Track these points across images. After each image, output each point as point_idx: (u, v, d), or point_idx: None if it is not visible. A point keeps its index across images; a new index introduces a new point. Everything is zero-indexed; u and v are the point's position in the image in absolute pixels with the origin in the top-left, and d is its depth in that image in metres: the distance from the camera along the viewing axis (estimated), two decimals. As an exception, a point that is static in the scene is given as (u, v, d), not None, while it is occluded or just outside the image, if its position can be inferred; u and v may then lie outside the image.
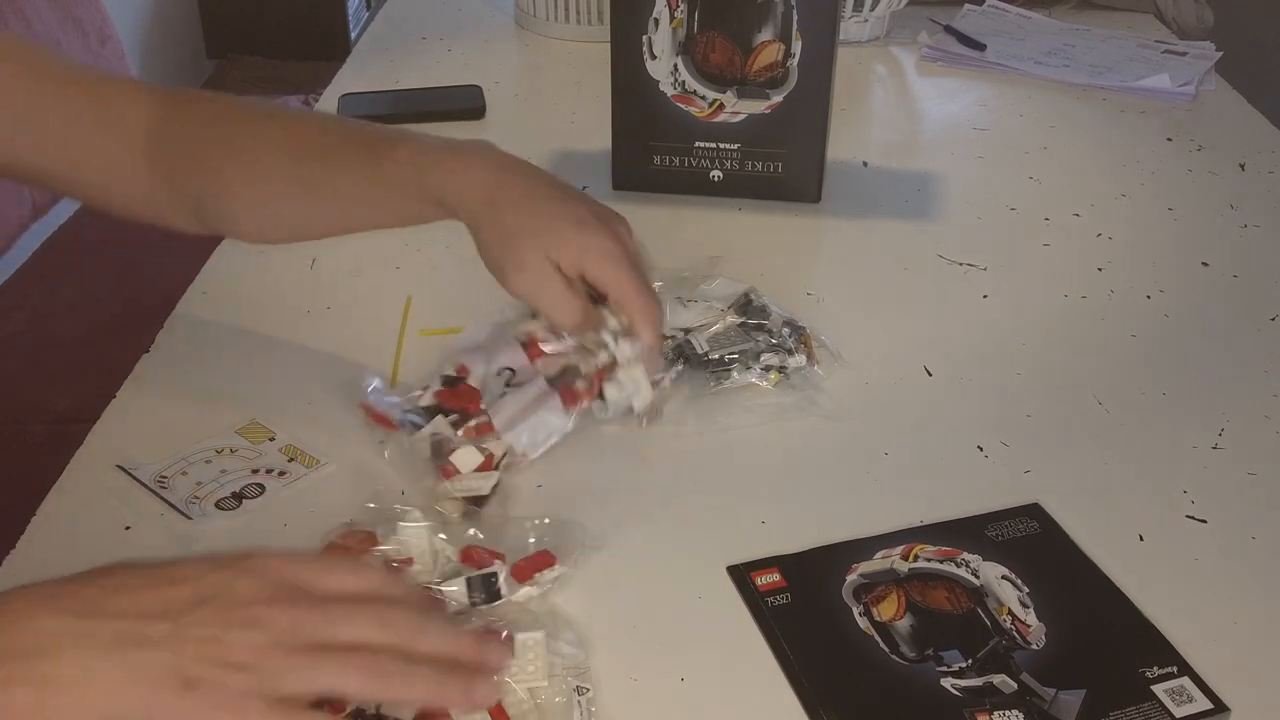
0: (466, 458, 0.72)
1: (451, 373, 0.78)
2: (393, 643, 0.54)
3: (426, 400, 0.77)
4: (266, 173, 0.76)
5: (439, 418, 0.75)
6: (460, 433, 0.74)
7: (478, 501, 0.71)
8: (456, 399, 0.77)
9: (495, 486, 0.72)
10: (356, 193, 0.75)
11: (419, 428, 0.75)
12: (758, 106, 1.04)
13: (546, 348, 0.76)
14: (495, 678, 0.57)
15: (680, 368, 0.82)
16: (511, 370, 0.77)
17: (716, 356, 0.83)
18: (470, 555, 0.66)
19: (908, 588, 0.66)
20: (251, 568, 0.54)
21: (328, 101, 1.29)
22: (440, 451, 0.73)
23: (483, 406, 0.75)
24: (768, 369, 0.82)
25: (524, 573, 0.65)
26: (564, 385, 0.74)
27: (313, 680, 0.51)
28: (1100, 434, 0.80)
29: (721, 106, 1.04)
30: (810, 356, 0.84)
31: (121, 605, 0.51)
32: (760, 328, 0.86)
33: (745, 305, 0.88)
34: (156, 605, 0.51)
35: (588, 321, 0.72)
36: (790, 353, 0.84)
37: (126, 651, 0.50)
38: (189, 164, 0.77)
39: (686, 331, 0.85)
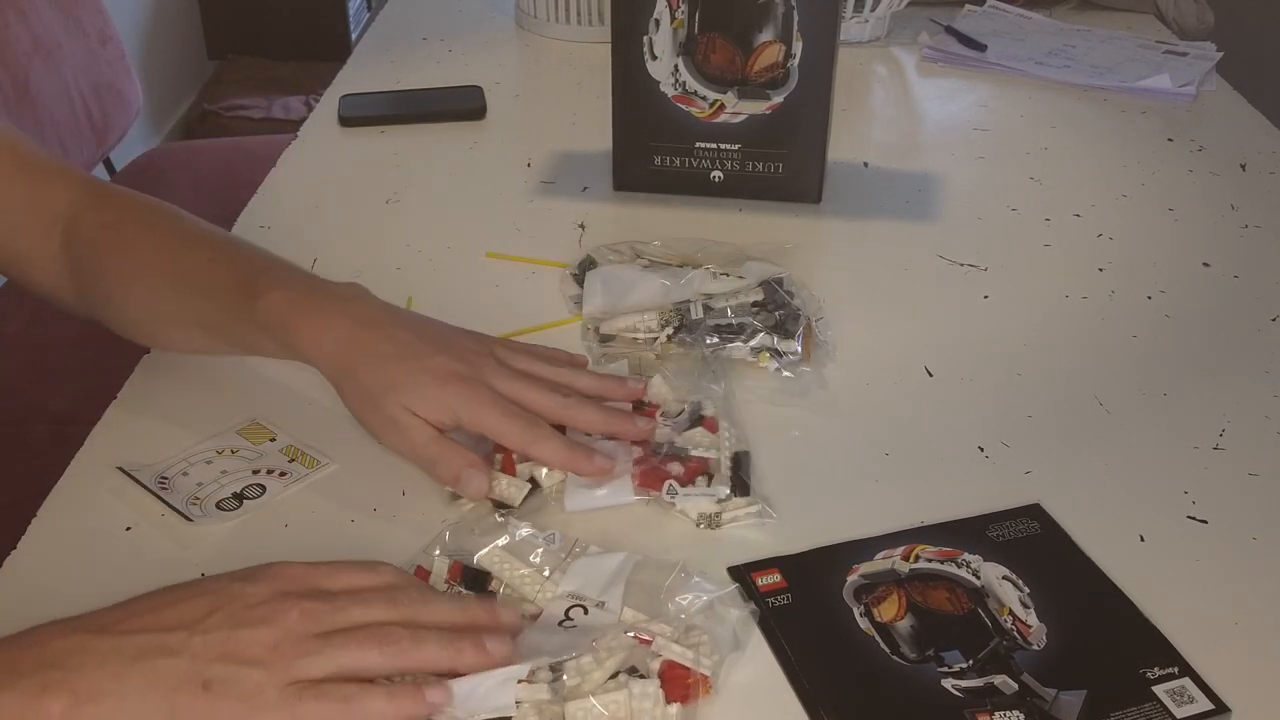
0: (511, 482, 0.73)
1: None
2: (402, 617, 0.57)
3: None
4: (149, 293, 0.79)
5: None
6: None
7: (506, 507, 0.71)
8: None
9: (526, 497, 0.72)
10: (227, 328, 0.77)
11: None
12: (758, 107, 1.04)
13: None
14: (511, 637, 0.59)
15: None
16: None
17: (712, 324, 0.84)
18: None
19: (908, 588, 0.66)
20: (263, 574, 0.58)
21: (328, 101, 1.29)
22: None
23: None
24: (758, 350, 0.83)
25: None
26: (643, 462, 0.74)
27: (325, 662, 0.54)
28: (1101, 434, 0.80)
29: (722, 107, 1.04)
30: (808, 351, 0.84)
31: (144, 622, 0.55)
32: (770, 310, 0.86)
33: (771, 288, 0.89)
34: (174, 618, 0.55)
35: (468, 471, 0.70)
36: (787, 336, 0.84)
37: (148, 660, 0.53)
38: (89, 265, 0.81)
39: (707, 298, 0.88)
